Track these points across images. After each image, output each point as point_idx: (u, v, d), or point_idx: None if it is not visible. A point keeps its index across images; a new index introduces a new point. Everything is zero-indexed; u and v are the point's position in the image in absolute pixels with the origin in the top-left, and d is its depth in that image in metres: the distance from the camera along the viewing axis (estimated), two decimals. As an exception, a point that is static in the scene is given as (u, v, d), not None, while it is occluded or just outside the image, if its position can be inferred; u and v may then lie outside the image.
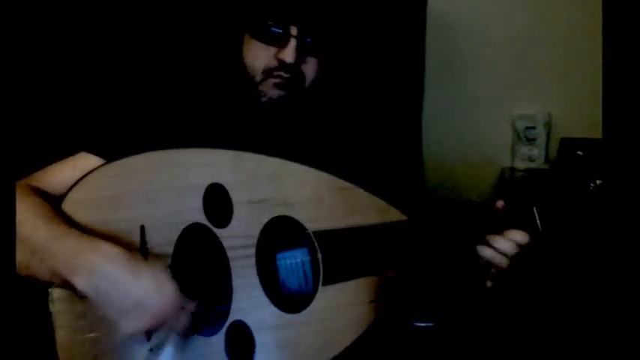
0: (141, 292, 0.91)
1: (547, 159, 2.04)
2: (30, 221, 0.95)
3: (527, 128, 2.02)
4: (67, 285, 0.92)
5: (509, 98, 2.03)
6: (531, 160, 2.04)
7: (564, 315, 1.52)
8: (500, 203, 1.11)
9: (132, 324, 0.91)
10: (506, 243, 1.08)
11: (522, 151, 2.04)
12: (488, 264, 1.10)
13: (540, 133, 2.02)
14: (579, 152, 1.86)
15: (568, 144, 1.95)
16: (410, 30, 1.78)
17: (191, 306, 0.96)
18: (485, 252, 1.09)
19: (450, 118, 2.04)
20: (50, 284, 0.96)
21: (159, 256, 1.00)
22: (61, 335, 0.95)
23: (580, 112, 2.00)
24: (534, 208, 1.11)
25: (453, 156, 2.04)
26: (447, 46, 1.97)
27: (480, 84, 2.02)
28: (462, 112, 2.04)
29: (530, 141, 2.03)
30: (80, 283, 0.90)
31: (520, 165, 2.04)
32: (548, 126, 2.03)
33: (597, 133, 1.86)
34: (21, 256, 0.93)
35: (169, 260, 1.01)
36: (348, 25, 1.18)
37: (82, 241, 0.93)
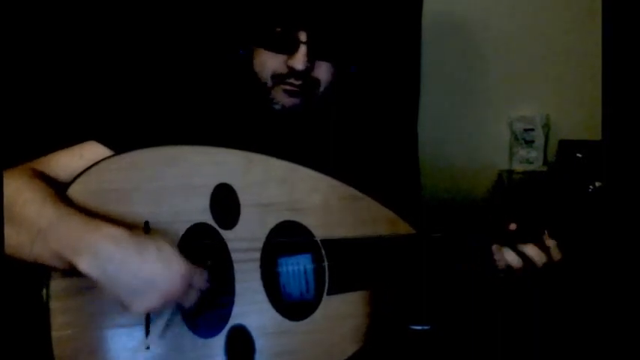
0: (149, 270, 0.90)
1: (545, 161, 2.04)
2: (37, 201, 0.93)
3: (526, 130, 2.02)
4: (70, 268, 0.90)
5: (507, 100, 2.03)
6: (529, 162, 2.04)
7: (563, 318, 1.52)
8: (513, 226, 1.11)
9: (143, 303, 0.90)
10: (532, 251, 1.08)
11: (520, 154, 2.04)
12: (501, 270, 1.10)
13: (539, 135, 2.02)
14: (578, 154, 1.87)
15: (567, 146, 1.96)
16: (405, 32, 1.78)
17: (199, 280, 0.95)
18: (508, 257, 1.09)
19: (448, 120, 2.04)
20: (45, 279, 0.94)
21: (163, 233, 0.98)
22: (56, 329, 0.94)
23: (579, 114, 2.00)
24: (546, 232, 1.11)
25: (451, 158, 2.05)
26: (444, 47, 1.97)
27: (478, 86, 2.02)
28: (460, 114, 2.04)
29: (529, 143, 2.03)
30: (84, 264, 0.88)
31: (518, 167, 2.04)
32: (547, 128, 2.03)
33: (596, 135, 1.86)
34: (25, 237, 0.91)
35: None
36: (354, 28, 1.16)
37: (88, 223, 0.92)
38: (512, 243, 1.09)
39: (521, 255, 1.08)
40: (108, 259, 0.89)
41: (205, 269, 0.97)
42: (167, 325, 0.97)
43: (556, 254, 1.09)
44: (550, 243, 1.09)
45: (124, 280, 0.89)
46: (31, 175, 1.00)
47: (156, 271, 0.90)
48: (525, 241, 1.09)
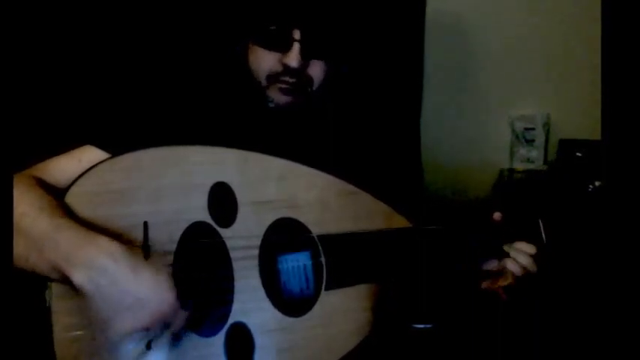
0: (140, 291, 0.90)
1: (546, 160, 2.05)
2: (33, 213, 0.93)
3: (526, 129, 2.03)
4: (65, 280, 0.90)
5: (508, 99, 2.03)
6: (530, 161, 2.04)
7: (563, 317, 1.52)
8: (497, 215, 1.12)
9: (127, 323, 0.90)
10: (516, 254, 1.10)
11: (521, 153, 2.04)
12: (494, 273, 1.11)
13: (539, 135, 2.03)
14: (578, 153, 1.87)
15: (567, 145, 1.96)
16: (409, 31, 1.78)
17: (186, 313, 0.95)
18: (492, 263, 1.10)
19: (449, 119, 2.04)
20: (47, 280, 0.94)
21: (160, 257, 0.99)
22: (58, 331, 0.94)
23: (579, 113, 2.01)
24: (540, 221, 1.11)
25: (452, 157, 2.05)
26: (446, 47, 1.97)
27: (479, 85, 2.02)
28: (461, 113, 2.04)
29: (529, 142, 2.03)
30: (78, 276, 0.88)
31: (519, 166, 2.05)
32: (547, 127, 2.03)
33: (596, 135, 1.86)
34: (21, 248, 0.92)
35: (171, 258, 1.00)
36: (349, 26, 1.16)
37: (84, 235, 0.92)
38: (499, 235, 1.11)
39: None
40: (102, 273, 0.89)
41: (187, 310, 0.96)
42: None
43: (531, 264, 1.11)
44: (529, 249, 1.10)
45: (115, 297, 0.89)
46: (29, 184, 1.00)
47: (146, 293, 0.90)
48: (515, 234, 1.10)
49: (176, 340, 0.97)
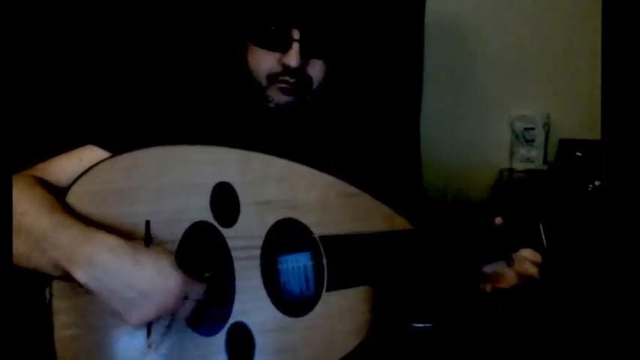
0: (144, 282, 0.90)
1: (546, 160, 2.05)
2: (33, 211, 0.93)
3: (526, 129, 2.03)
4: (68, 277, 0.90)
5: (507, 99, 2.03)
6: (530, 161, 2.04)
7: (563, 317, 1.52)
8: (498, 220, 1.12)
9: (136, 315, 0.90)
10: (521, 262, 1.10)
11: (521, 152, 2.04)
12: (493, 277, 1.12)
13: (539, 134, 2.03)
14: (578, 153, 1.87)
15: (567, 145, 1.96)
16: (408, 31, 1.78)
17: (196, 292, 0.95)
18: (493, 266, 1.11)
19: (449, 119, 2.04)
20: (48, 278, 0.94)
21: (161, 245, 0.99)
22: (58, 329, 0.94)
23: (579, 113, 2.01)
24: (540, 225, 1.11)
25: (452, 157, 2.04)
26: (445, 47, 1.97)
27: (479, 85, 2.02)
28: (461, 113, 2.04)
29: (529, 142, 2.03)
30: (81, 274, 0.88)
31: (519, 166, 2.05)
32: (547, 127, 2.03)
33: (596, 134, 1.86)
34: (23, 247, 0.92)
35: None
36: (348, 26, 1.17)
37: (83, 232, 0.92)
38: (500, 235, 1.11)
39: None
40: (104, 269, 0.89)
41: (202, 282, 0.97)
42: (169, 326, 0.97)
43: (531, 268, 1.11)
44: (534, 257, 1.11)
45: (119, 291, 0.89)
46: (29, 183, 0.99)
47: (151, 283, 0.90)
48: (515, 236, 1.11)
49: (181, 333, 0.97)
